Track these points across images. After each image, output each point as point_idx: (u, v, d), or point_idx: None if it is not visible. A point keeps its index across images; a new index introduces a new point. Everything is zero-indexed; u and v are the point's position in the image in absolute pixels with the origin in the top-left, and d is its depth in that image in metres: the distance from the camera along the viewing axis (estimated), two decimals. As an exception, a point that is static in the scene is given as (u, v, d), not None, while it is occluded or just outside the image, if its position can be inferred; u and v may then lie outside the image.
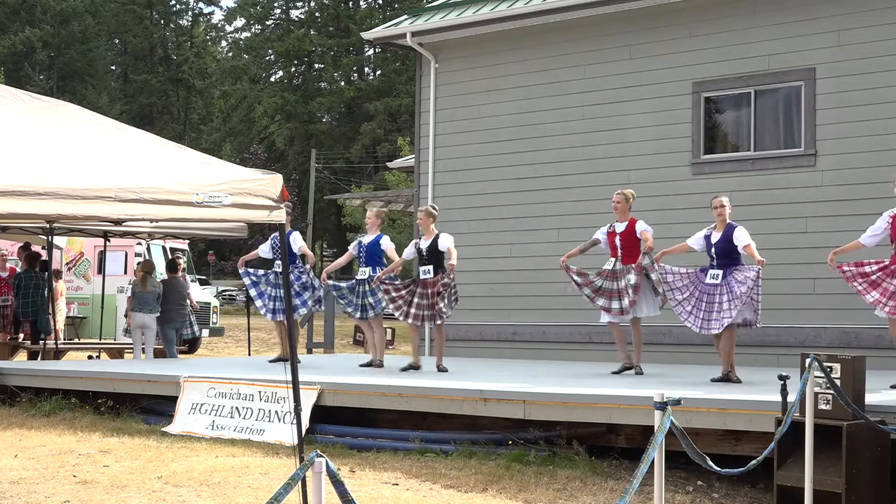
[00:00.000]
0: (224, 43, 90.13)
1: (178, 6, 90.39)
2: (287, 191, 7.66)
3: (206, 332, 28.78)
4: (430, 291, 13.82)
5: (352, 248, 15.17)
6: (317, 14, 78.22)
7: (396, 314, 14.08)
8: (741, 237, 11.96)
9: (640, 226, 13.21)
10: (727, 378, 11.89)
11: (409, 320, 14.04)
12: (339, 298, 15.04)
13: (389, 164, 40.66)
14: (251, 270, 15.79)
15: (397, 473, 10.21)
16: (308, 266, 15.43)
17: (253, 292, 15.64)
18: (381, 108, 68.67)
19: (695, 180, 16.66)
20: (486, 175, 18.84)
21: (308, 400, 11.76)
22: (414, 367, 14.27)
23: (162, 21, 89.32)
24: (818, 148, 15.72)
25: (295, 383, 7.63)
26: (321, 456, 4.30)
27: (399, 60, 67.73)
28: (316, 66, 77.28)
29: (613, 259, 13.30)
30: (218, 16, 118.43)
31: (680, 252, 12.64)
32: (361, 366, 15.00)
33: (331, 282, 15.24)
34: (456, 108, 19.42)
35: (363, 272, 14.61)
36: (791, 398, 8.29)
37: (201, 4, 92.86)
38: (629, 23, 17.55)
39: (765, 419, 9.12)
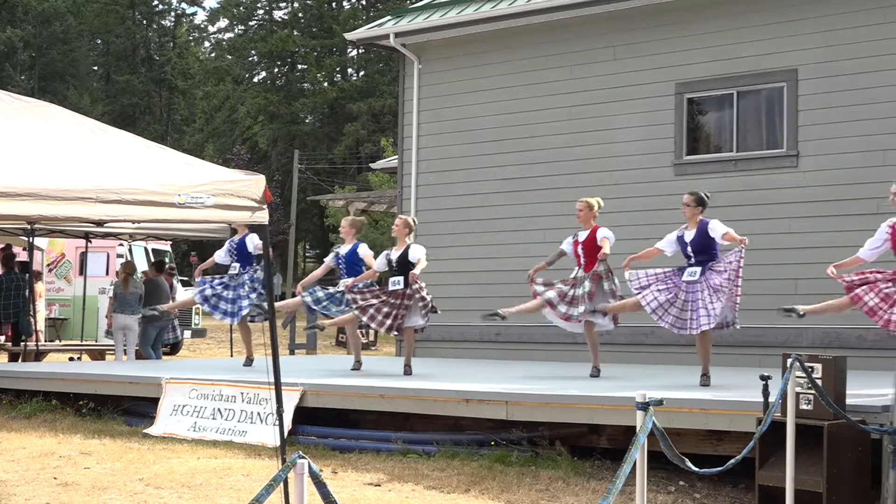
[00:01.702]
0: (207, 43, 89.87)
1: (160, 7, 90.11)
2: (270, 192, 7.67)
3: (188, 334, 28.72)
4: (399, 303, 13.55)
5: (329, 260, 15.02)
6: (300, 15, 78.08)
7: (364, 319, 13.69)
8: (717, 228, 11.69)
9: (602, 233, 12.94)
10: (705, 376, 11.75)
11: (382, 329, 13.79)
12: (316, 306, 14.69)
13: (372, 165, 40.63)
14: (206, 279, 15.62)
15: (380, 474, 10.23)
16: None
17: (198, 298, 15.44)
18: (365, 109, 68.55)
19: (678, 181, 16.69)
20: (470, 176, 18.87)
21: (290, 401, 11.77)
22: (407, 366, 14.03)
23: (144, 21, 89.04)
24: (800, 149, 15.79)
25: (277, 384, 7.64)
26: (303, 457, 4.31)
27: (382, 61, 67.65)
28: (299, 66, 77.15)
29: (577, 268, 13.11)
30: (201, 16, 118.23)
31: (649, 258, 12.32)
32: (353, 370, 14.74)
33: (306, 293, 14.97)
34: (439, 109, 19.44)
35: (344, 284, 14.40)
36: (772, 398, 8.33)
37: (184, 5, 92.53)
38: (613, 24, 17.59)
39: (746, 419, 9.15)
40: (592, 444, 10.92)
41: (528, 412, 10.96)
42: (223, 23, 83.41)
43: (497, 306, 18.05)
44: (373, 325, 13.78)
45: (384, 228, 49.56)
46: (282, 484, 4.55)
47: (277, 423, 7.65)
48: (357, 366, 14.53)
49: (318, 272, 15.26)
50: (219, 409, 12.70)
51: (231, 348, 23.17)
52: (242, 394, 12.63)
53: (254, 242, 15.16)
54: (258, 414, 12.32)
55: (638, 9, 17.29)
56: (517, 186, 18.35)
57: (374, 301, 13.64)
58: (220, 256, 15.62)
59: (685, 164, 16.79)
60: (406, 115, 19.95)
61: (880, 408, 8.97)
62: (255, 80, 78.62)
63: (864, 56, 15.40)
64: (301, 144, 70.54)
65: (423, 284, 13.68)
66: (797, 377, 8.25)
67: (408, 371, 13.83)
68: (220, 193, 7.21)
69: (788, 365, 8.20)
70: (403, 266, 13.66)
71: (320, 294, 14.50)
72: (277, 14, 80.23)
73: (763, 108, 16.39)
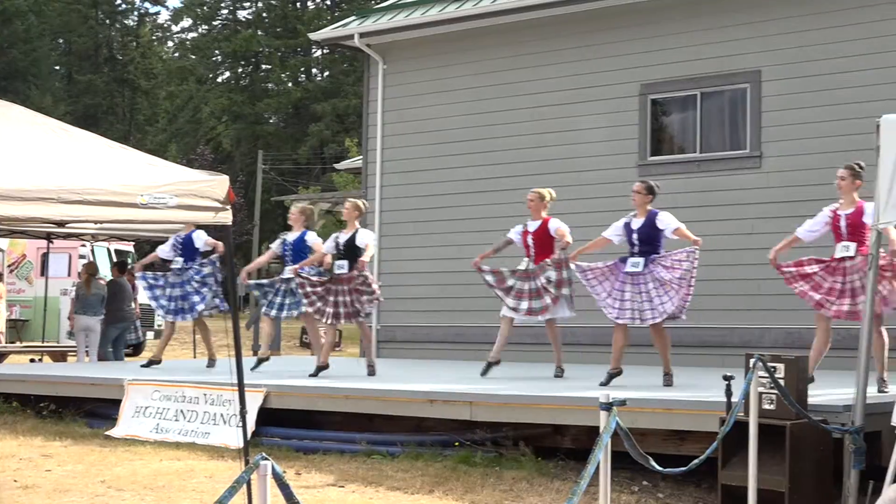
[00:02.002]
0: (170, 43, 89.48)
1: (123, 6, 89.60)
2: (233, 192, 7.64)
3: (150, 335, 28.58)
4: (346, 288, 13.33)
5: (275, 247, 14.86)
6: (264, 15, 77.88)
7: (310, 310, 13.58)
8: (668, 221, 11.61)
9: (554, 223, 12.78)
10: (668, 376, 11.73)
11: (326, 320, 13.54)
12: (261, 297, 14.67)
13: (337, 166, 40.61)
14: (148, 274, 15.58)
15: (344, 476, 10.22)
16: (215, 258, 15.07)
17: (148, 294, 15.36)
18: (329, 110, 68.44)
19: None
20: (435, 176, 18.86)
21: (254, 402, 11.74)
22: (322, 367, 13.75)
23: (107, 21, 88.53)
24: (763, 150, 15.87)
25: (241, 386, 7.62)
26: (267, 459, 4.30)
27: (347, 61, 67.53)
28: (263, 66, 76.92)
29: (527, 259, 12.93)
30: (164, 16, 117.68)
31: (597, 248, 12.34)
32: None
33: (251, 281, 14.99)
34: (404, 110, 19.42)
35: (289, 271, 14.26)
36: (735, 398, 8.37)
37: (147, 4, 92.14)
38: (578, 25, 17.63)
39: (709, 419, 9.19)
40: (556, 445, 10.94)
41: (492, 413, 10.97)
42: (187, 22, 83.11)
43: (459, 306, 18.13)
44: (323, 319, 13.58)
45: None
46: (245, 485, 4.54)
47: (241, 424, 7.62)
48: (317, 371, 13.81)
49: (263, 258, 15.26)
50: (181, 411, 12.65)
51: (194, 349, 23.09)
52: (205, 395, 12.59)
53: (202, 239, 15.08)
54: (221, 415, 12.29)
55: (602, 10, 17.33)
56: (482, 187, 18.35)
57: (321, 290, 13.46)
58: (164, 251, 15.54)
59: (649, 164, 16.84)
60: (371, 115, 19.93)
61: (842, 407, 9.03)
62: (219, 80, 78.36)
63: (826, 58, 15.50)
64: (265, 145, 70.35)
65: (368, 273, 13.48)
66: (760, 377, 8.30)
67: (371, 371, 13.75)
68: (183, 194, 7.18)
69: (751, 365, 8.25)
70: (351, 250, 13.44)
71: (265, 283, 14.55)
72: (241, 14, 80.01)
73: (727, 110, 16.47)
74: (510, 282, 12.88)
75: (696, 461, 7.16)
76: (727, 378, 8.69)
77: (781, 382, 8.47)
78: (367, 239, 13.54)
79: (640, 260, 11.57)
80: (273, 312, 14.50)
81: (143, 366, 15.57)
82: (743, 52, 16.17)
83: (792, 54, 15.78)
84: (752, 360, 8.27)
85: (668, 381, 11.64)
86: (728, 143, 16.40)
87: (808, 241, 11.00)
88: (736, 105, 16.33)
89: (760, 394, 8.43)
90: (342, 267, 13.44)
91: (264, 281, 14.94)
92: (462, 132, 18.66)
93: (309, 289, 13.53)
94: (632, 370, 13.72)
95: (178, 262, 15.22)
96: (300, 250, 14.35)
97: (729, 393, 8.66)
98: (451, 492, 9.52)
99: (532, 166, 17.76)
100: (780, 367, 8.68)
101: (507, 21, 18.19)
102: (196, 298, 14.96)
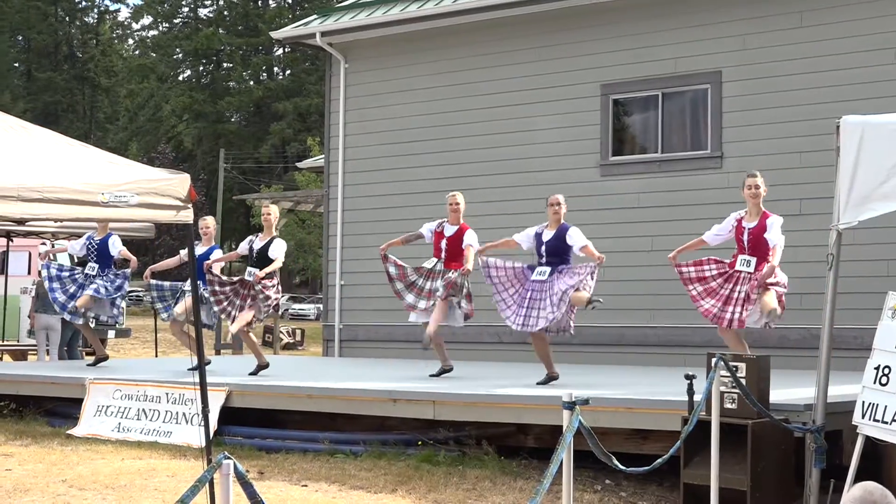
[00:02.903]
0: (131, 41, 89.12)
1: (83, 3, 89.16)
2: (195, 191, 7.60)
3: (111, 334, 28.37)
4: (249, 293, 13.24)
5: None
6: (225, 13, 77.66)
7: (216, 309, 13.52)
8: (576, 238, 11.58)
9: (469, 237, 12.61)
10: (551, 378, 11.70)
11: (229, 321, 13.53)
12: (159, 300, 14.40)
13: (299, 165, 40.50)
14: (54, 264, 15.27)
15: (307, 475, 10.19)
16: (128, 273, 14.97)
17: (47, 284, 14.83)
18: (291, 108, 68.36)
19: (603, 182, 16.79)
20: (396, 175, 18.82)
21: (216, 401, 11.68)
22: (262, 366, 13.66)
23: (67, 18, 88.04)
24: (724, 150, 15.93)
25: (203, 385, 7.57)
26: (229, 457, 4.27)
27: (309, 60, 67.48)
28: (224, 65, 76.71)
29: (436, 260, 12.76)
30: (125, 13, 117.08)
31: (505, 248, 12.33)
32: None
33: (153, 281, 14.67)
34: (366, 109, 19.39)
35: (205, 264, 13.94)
36: (697, 397, 8.38)
37: (107, 2, 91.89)
38: (538, 25, 17.64)
39: (671, 418, 9.21)
40: (520, 444, 10.95)
41: (456, 412, 10.96)
42: (147, 20, 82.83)
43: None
44: (223, 316, 13.54)
45: (311, 228, 49.50)
46: (207, 485, 4.50)
47: (203, 423, 7.57)
48: (256, 370, 13.71)
49: (172, 261, 14.92)
50: (143, 410, 12.59)
51: (156, 348, 22.98)
52: (167, 394, 12.53)
53: (118, 247, 14.74)
54: (183, 414, 12.23)
55: (562, 10, 17.35)
56: (441, 186, 18.26)
57: (229, 292, 13.36)
58: (75, 248, 15.30)
59: (611, 164, 16.88)
60: (332, 114, 19.89)
61: (803, 406, 9.06)
62: (180, 78, 78.12)
63: (786, 59, 15.57)
64: (227, 143, 70.15)
65: (274, 282, 13.35)
66: (722, 376, 8.31)
67: (259, 370, 13.48)
68: (144, 192, 7.13)
69: (713, 364, 8.26)
70: (262, 258, 13.36)
71: (165, 286, 14.41)
72: (202, 12, 79.77)
73: (688, 110, 16.52)
74: (413, 277, 12.74)
75: (658, 461, 7.17)
76: (689, 377, 8.70)
77: (743, 381, 8.49)
78: (278, 252, 13.39)
79: (547, 269, 11.63)
80: (164, 315, 14.39)
81: (89, 364, 15.38)
82: (704, 52, 16.23)
83: (752, 55, 15.85)
84: (713, 360, 8.28)
85: (546, 381, 11.69)
86: (689, 144, 16.46)
87: (713, 245, 10.97)
88: (697, 105, 16.38)
89: (722, 393, 8.45)
90: (251, 274, 13.28)
91: (165, 284, 14.70)
92: (423, 131, 18.65)
93: (217, 288, 13.40)
94: (594, 369, 13.77)
95: (94, 269, 14.80)
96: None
97: (691, 392, 8.66)
98: (415, 491, 9.51)
99: (491, 166, 17.76)
100: (742, 366, 8.71)
101: (467, 21, 18.19)
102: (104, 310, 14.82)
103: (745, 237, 10.58)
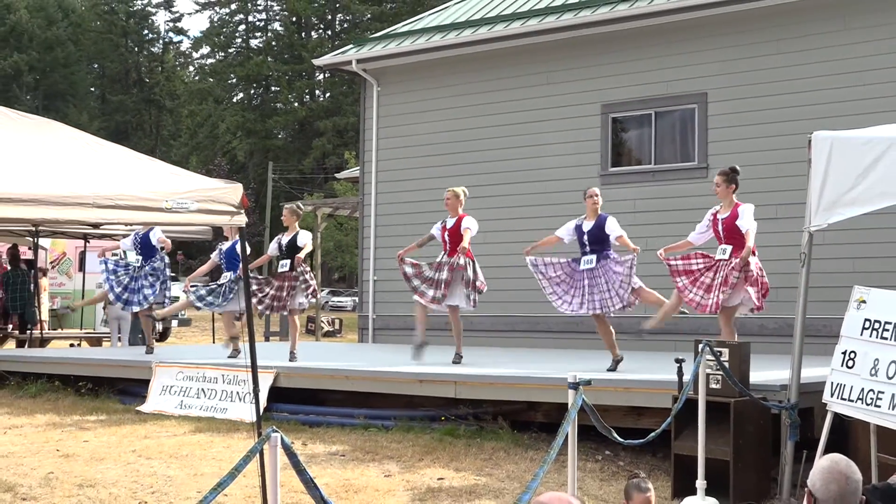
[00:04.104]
0: (191, 68, 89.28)
1: (150, 35, 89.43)
2: (246, 198, 7.60)
3: (175, 323, 28.52)
4: (285, 285, 13.11)
5: (214, 257, 14.23)
6: (273, 43, 77.77)
7: (260, 308, 13.23)
8: (613, 227, 11.22)
9: (466, 222, 12.29)
10: (617, 361, 11.17)
11: (267, 312, 13.42)
12: (200, 302, 13.82)
13: (338, 175, 40.53)
14: (110, 260, 15.20)
15: (344, 446, 10.19)
16: (164, 254, 14.81)
17: (105, 276, 14.70)
18: (330, 126, 68.41)
19: (604, 189, 16.64)
20: (422, 184, 18.81)
21: (265, 382, 11.71)
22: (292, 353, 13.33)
23: (136, 48, 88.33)
24: (710, 162, 15.87)
25: (254, 367, 7.58)
26: (277, 431, 4.28)
27: (346, 84, 67.48)
28: (272, 88, 76.81)
29: (443, 253, 12.43)
30: (186, 44, 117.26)
31: (549, 245, 11.80)
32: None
33: (192, 287, 14.36)
34: (396, 126, 19.40)
35: (225, 276, 13.92)
36: (686, 378, 8.36)
37: (171, 34, 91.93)
38: (546, 53, 17.62)
39: (663, 397, 9.18)
40: (530, 419, 10.92)
41: (474, 391, 10.95)
42: (206, 49, 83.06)
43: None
44: (260, 308, 13.25)
45: (347, 230, 49.50)
46: (258, 455, 4.50)
47: (254, 401, 7.58)
48: (234, 354, 13.61)
49: (204, 268, 14.73)
50: (202, 389, 12.61)
51: (213, 336, 23.02)
52: (223, 376, 12.55)
53: (157, 236, 14.61)
54: (237, 393, 12.25)
55: (567, 40, 17.32)
56: (462, 194, 18.32)
57: (267, 288, 13.20)
58: (126, 244, 15.23)
59: (610, 174, 16.84)
60: (367, 131, 19.90)
61: (779, 387, 9.03)
62: (234, 100, 78.29)
63: (764, 82, 15.52)
64: (274, 157, 70.32)
65: (307, 268, 13.21)
66: (707, 360, 8.28)
67: (293, 357, 13.13)
68: (202, 199, 7.14)
69: (700, 350, 8.23)
70: (292, 250, 13.18)
71: (203, 291, 13.87)
72: (254, 42, 79.93)
73: (677, 127, 16.47)
74: (427, 272, 12.39)
75: (652, 434, 7.15)
76: (679, 361, 8.69)
77: (726, 365, 8.46)
78: (305, 240, 13.20)
79: (593, 257, 11.22)
80: (199, 304, 13.99)
81: (146, 352, 15.12)
82: (692, 76, 16.18)
83: (734, 79, 15.79)
84: (700, 346, 8.25)
85: (612, 367, 11.12)
86: (679, 156, 16.40)
87: (698, 244, 10.73)
88: (685, 123, 16.33)
89: (708, 375, 8.41)
90: (284, 266, 13.21)
91: (203, 291, 14.09)
92: (445, 146, 18.64)
93: (255, 286, 13.16)
94: (595, 354, 13.72)
95: (138, 260, 14.86)
96: (231, 258, 13.88)
97: (680, 374, 8.65)
98: (438, 460, 9.50)
99: (505, 176, 17.75)
100: (725, 351, 8.67)
101: (484, 49, 18.19)
102: (147, 292, 14.62)
103: (721, 227, 10.33)
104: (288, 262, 13.19)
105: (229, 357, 13.54)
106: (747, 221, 10.11)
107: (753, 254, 9.92)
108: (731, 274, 9.87)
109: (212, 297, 13.71)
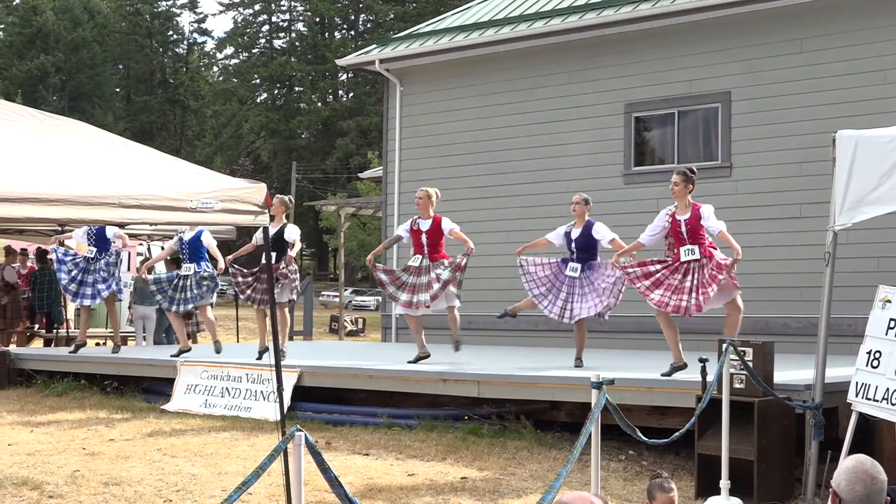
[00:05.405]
0: (215, 68, 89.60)
1: (175, 36, 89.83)
2: (270, 198, 7.62)
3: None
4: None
5: (173, 244, 14.27)
6: (297, 43, 77.99)
7: (242, 297, 13.21)
8: (603, 232, 11.27)
9: (447, 224, 12.09)
10: (580, 363, 11.35)
11: (254, 305, 13.14)
12: (158, 292, 14.05)
13: (361, 175, 40.56)
14: (61, 250, 15.01)
15: (368, 445, 10.20)
16: (118, 249, 14.80)
17: (154, 287, 14.41)
18: (354, 126, 68.54)
19: (626, 189, 16.70)
20: (445, 184, 18.70)
21: (289, 381, 11.72)
22: (262, 351, 13.25)
23: (161, 49, 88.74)
24: (733, 161, 15.80)
25: (278, 367, 7.60)
26: (301, 430, 4.28)
27: (369, 84, 67.59)
28: (296, 88, 77.03)
29: (420, 256, 12.07)
30: (210, 45, 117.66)
31: (539, 247, 11.94)
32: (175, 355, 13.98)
33: (150, 276, 14.48)
34: (418, 126, 19.40)
35: (187, 268, 13.91)
36: (710, 378, 8.33)
37: (196, 35, 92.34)
38: (569, 52, 17.58)
39: (687, 397, 9.15)
40: (553, 419, 10.91)
41: (497, 390, 10.94)
42: (230, 50, 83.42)
43: (468, 297, 18.04)
44: (249, 303, 13.19)
45: (370, 230, 49.58)
46: (282, 453, 4.51)
47: (278, 400, 7.59)
48: (217, 346, 13.93)
49: (163, 254, 15.17)
50: (227, 388, 12.65)
51: (237, 335, 23.09)
52: (247, 375, 12.58)
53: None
54: (261, 392, 12.27)
55: (591, 39, 17.28)
56: (485, 194, 18.32)
57: (252, 281, 12.99)
58: (79, 237, 15.16)
59: (633, 174, 16.79)
60: (390, 131, 19.91)
61: (803, 386, 8.98)
62: (258, 100, 78.58)
63: (787, 81, 15.43)
64: (298, 157, 70.51)
65: (294, 266, 12.96)
66: (731, 360, 8.24)
67: (279, 354, 13.05)
68: (227, 199, 7.16)
69: (723, 349, 8.20)
70: (278, 242, 12.78)
71: (164, 284, 14.10)
72: (277, 43, 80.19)
73: (700, 126, 16.40)
74: (403, 277, 12.16)
75: (676, 434, 7.12)
76: (702, 361, 8.66)
77: (750, 364, 8.42)
78: (294, 235, 12.92)
79: (578, 266, 11.35)
80: (166, 306, 14.13)
81: (70, 352, 15.09)
82: (715, 75, 16.11)
83: (757, 77, 15.72)
84: (724, 346, 8.22)
85: (578, 364, 11.37)
86: (702, 155, 16.33)
87: (649, 245, 10.64)
88: (709, 122, 16.26)
89: (732, 374, 8.38)
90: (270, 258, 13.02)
91: (162, 276, 14.46)
92: (468, 146, 18.62)
93: (240, 279, 13.05)
94: (617, 354, 13.69)
95: (92, 252, 14.72)
96: (196, 249, 13.96)
97: (704, 374, 8.61)
98: (462, 459, 9.50)
99: (528, 175, 17.72)
100: (749, 351, 8.63)
101: (507, 49, 18.16)
102: (101, 286, 14.54)
103: (683, 228, 10.13)
104: (273, 255, 12.63)
105: (173, 356, 13.61)
106: (717, 222, 10.04)
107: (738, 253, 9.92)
108: (719, 275, 9.84)
109: (174, 293, 13.94)
